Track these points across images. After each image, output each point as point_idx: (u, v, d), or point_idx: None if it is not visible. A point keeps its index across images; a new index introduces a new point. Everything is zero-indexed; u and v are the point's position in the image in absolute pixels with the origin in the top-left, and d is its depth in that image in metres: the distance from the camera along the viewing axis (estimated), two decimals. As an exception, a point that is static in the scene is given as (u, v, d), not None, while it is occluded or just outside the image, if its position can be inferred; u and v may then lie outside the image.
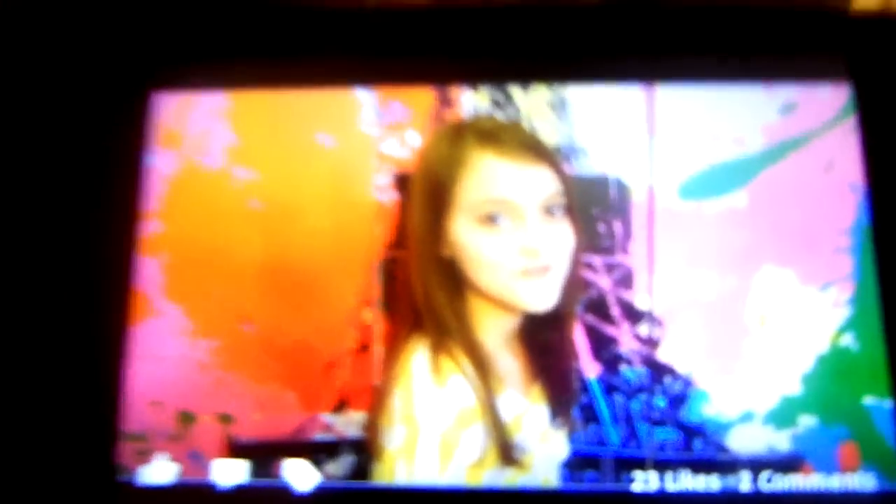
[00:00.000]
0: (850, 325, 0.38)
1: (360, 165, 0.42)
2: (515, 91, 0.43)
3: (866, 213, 0.39)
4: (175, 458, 0.39)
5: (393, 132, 0.42)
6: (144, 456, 0.39)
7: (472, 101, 0.43)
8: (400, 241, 0.41)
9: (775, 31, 0.43)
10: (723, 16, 0.43)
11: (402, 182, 0.42)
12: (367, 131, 0.43)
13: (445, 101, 0.43)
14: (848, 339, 0.38)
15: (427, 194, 0.40)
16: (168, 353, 0.40)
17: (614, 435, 0.38)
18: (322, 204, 0.42)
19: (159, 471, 0.39)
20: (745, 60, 0.43)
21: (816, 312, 0.39)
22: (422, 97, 0.43)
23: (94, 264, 0.41)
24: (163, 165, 0.43)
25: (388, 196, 0.42)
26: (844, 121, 0.41)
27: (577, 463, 0.38)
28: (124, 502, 0.39)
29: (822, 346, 0.38)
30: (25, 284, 0.40)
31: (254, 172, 0.42)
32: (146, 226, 0.42)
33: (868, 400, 0.37)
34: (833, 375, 0.38)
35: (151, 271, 0.41)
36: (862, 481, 0.36)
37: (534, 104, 0.42)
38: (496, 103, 0.43)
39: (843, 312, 0.38)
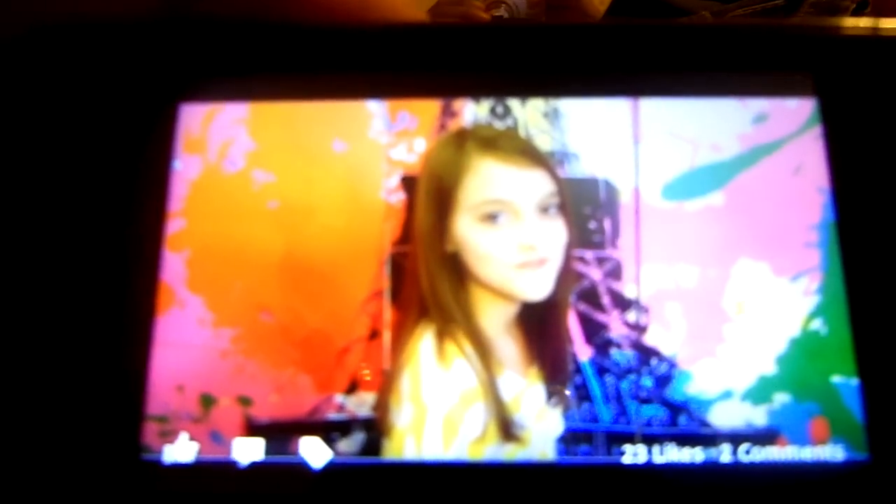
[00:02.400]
0: (819, 311, 0.42)
1: (371, 169, 0.46)
2: (513, 103, 0.47)
3: (832, 212, 0.43)
4: (196, 438, 0.42)
5: (401, 139, 0.46)
6: (168, 436, 0.42)
7: (473, 111, 0.47)
8: (406, 237, 0.44)
9: (750, 50, 0.47)
10: (702, 36, 0.47)
11: (409, 184, 0.45)
12: (376, 139, 0.46)
13: (449, 112, 0.47)
14: (817, 324, 0.42)
15: (432, 196, 0.44)
16: (191, 340, 0.43)
17: (605, 412, 0.41)
18: (335, 204, 0.45)
19: (182, 450, 0.42)
20: (722, 77, 0.47)
21: (788, 300, 0.42)
22: (428, 108, 0.47)
23: (124, 259, 0.44)
24: (187, 169, 0.46)
25: (396, 197, 0.45)
26: (811, 130, 0.45)
27: (572, 438, 0.41)
28: (149, 480, 0.41)
29: (794, 331, 0.42)
30: (60, 277, 0.43)
31: (272, 175, 0.46)
32: (171, 224, 0.45)
33: (836, 378, 0.41)
34: (804, 356, 0.41)
35: (175, 265, 0.44)
36: (832, 452, 0.40)
37: (530, 114, 0.46)
38: (495, 113, 0.47)
39: (812, 300, 0.42)
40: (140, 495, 0.41)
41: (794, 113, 0.45)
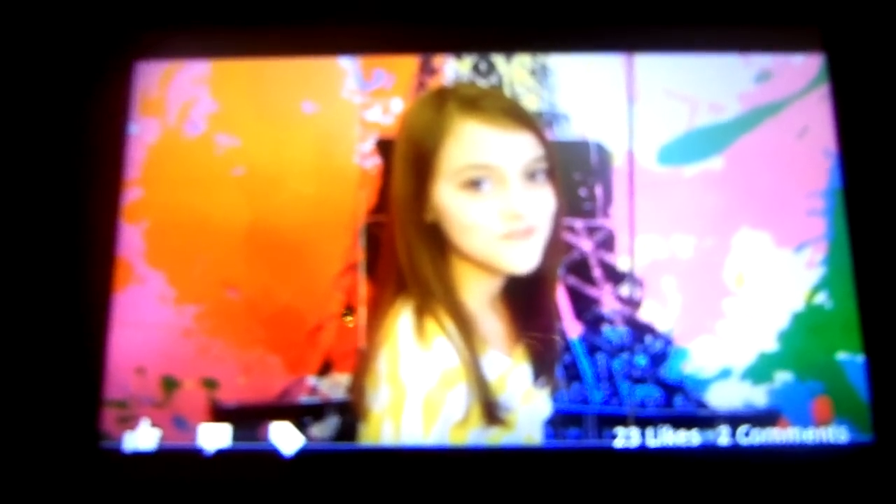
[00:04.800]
0: (823, 284, 0.39)
1: (344, 132, 0.42)
2: (498, 59, 0.43)
3: (839, 177, 0.40)
4: (159, 424, 0.39)
5: (376, 99, 0.43)
6: (128, 423, 0.39)
7: (454, 68, 0.43)
8: (383, 205, 0.41)
9: (753, 2, 0.44)
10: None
11: (385, 147, 0.42)
12: (350, 98, 0.43)
13: (428, 69, 0.43)
14: (822, 298, 0.39)
15: (410, 161, 0.41)
16: (151, 319, 0.40)
17: (596, 393, 0.39)
18: (305, 170, 0.42)
19: (143, 437, 0.39)
20: (723, 31, 0.43)
21: (792, 272, 0.40)
22: (405, 64, 0.43)
23: (77, 232, 0.41)
24: (144, 133, 0.43)
25: (372, 162, 0.42)
26: (817, 88, 0.42)
27: (561, 421, 0.39)
28: (108, 469, 0.38)
29: (798, 305, 0.39)
30: (7, 252, 0.40)
31: (236, 139, 0.42)
32: (127, 193, 0.42)
33: (841, 355, 0.38)
34: (808, 332, 0.39)
35: (132, 238, 0.41)
36: (835, 434, 0.38)
37: (516, 71, 0.43)
38: (478, 70, 0.43)
39: (817, 272, 0.39)
40: (99, 486, 0.38)
41: (800, 70, 0.42)
